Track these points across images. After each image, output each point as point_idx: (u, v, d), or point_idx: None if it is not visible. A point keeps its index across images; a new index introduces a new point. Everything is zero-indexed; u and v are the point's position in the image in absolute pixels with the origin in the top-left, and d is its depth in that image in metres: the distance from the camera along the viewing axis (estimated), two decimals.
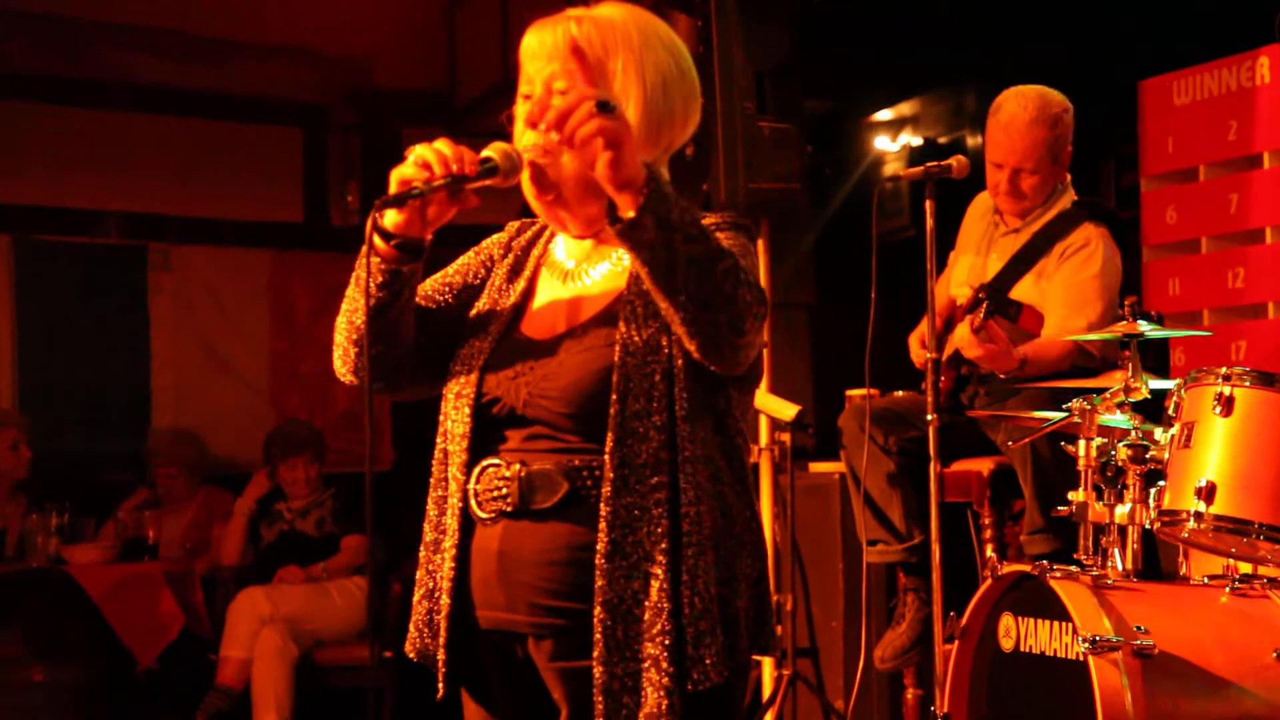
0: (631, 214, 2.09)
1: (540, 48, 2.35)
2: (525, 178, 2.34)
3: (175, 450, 7.66)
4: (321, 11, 7.77)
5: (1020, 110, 4.61)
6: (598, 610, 2.22)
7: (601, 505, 2.23)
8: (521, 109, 2.36)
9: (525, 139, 2.34)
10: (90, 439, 8.04)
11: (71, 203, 8.14)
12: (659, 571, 2.21)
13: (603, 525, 2.23)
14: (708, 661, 2.21)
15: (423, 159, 2.26)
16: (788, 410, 5.14)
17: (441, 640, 2.36)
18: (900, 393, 5.08)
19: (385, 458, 8.16)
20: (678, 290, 2.13)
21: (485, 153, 2.28)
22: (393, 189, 2.26)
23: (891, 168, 7.60)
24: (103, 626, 6.55)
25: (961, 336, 4.33)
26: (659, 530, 2.22)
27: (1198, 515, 3.46)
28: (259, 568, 6.92)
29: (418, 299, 2.43)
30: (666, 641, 2.20)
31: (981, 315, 4.28)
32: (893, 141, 7.88)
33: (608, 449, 2.24)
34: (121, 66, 8.07)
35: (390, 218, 2.30)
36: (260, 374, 8.54)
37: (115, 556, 6.82)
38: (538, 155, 2.31)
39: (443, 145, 2.27)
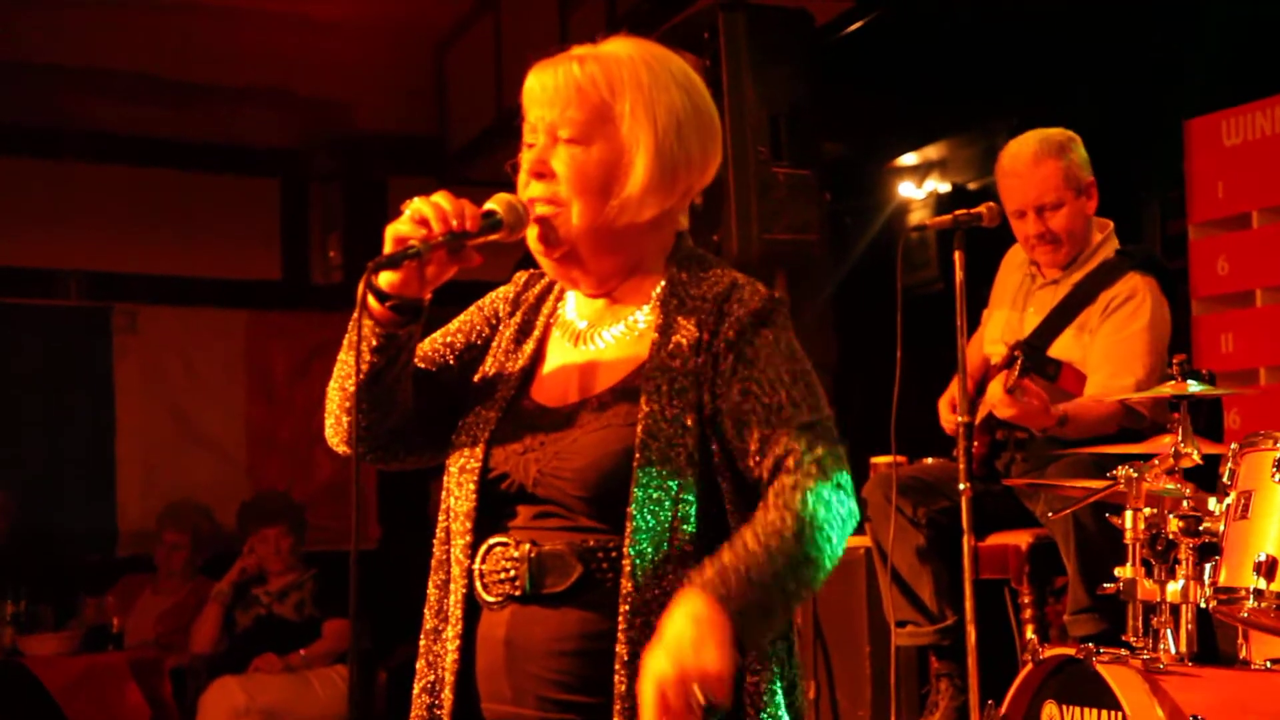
0: None
1: (543, 92, 2.33)
2: (532, 234, 2.34)
3: (188, 517, 7.70)
4: (299, 51, 7.83)
5: (1020, 149, 4.68)
6: (618, 704, 2.20)
7: (620, 602, 2.22)
8: (526, 158, 2.35)
9: (530, 190, 2.33)
10: (50, 518, 8.05)
11: (28, 262, 8.20)
12: None
13: (624, 608, 2.21)
14: None
15: (420, 214, 2.25)
16: None
17: None
18: (930, 460, 5.09)
19: (370, 534, 8.17)
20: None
21: (488, 206, 2.28)
22: (388, 247, 2.25)
23: (917, 216, 7.65)
24: None
25: (994, 395, 4.34)
26: None
27: (1257, 593, 3.44)
28: (233, 656, 6.92)
29: (416, 361, 2.42)
30: None
31: (1015, 374, 4.30)
32: (918, 188, 7.92)
33: (627, 537, 2.22)
34: (81, 113, 8.12)
35: (385, 278, 2.29)
36: (236, 444, 8.57)
37: (76, 647, 6.83)
38: (545, 208, 2.31)
39: (441, 199, 2.26)
